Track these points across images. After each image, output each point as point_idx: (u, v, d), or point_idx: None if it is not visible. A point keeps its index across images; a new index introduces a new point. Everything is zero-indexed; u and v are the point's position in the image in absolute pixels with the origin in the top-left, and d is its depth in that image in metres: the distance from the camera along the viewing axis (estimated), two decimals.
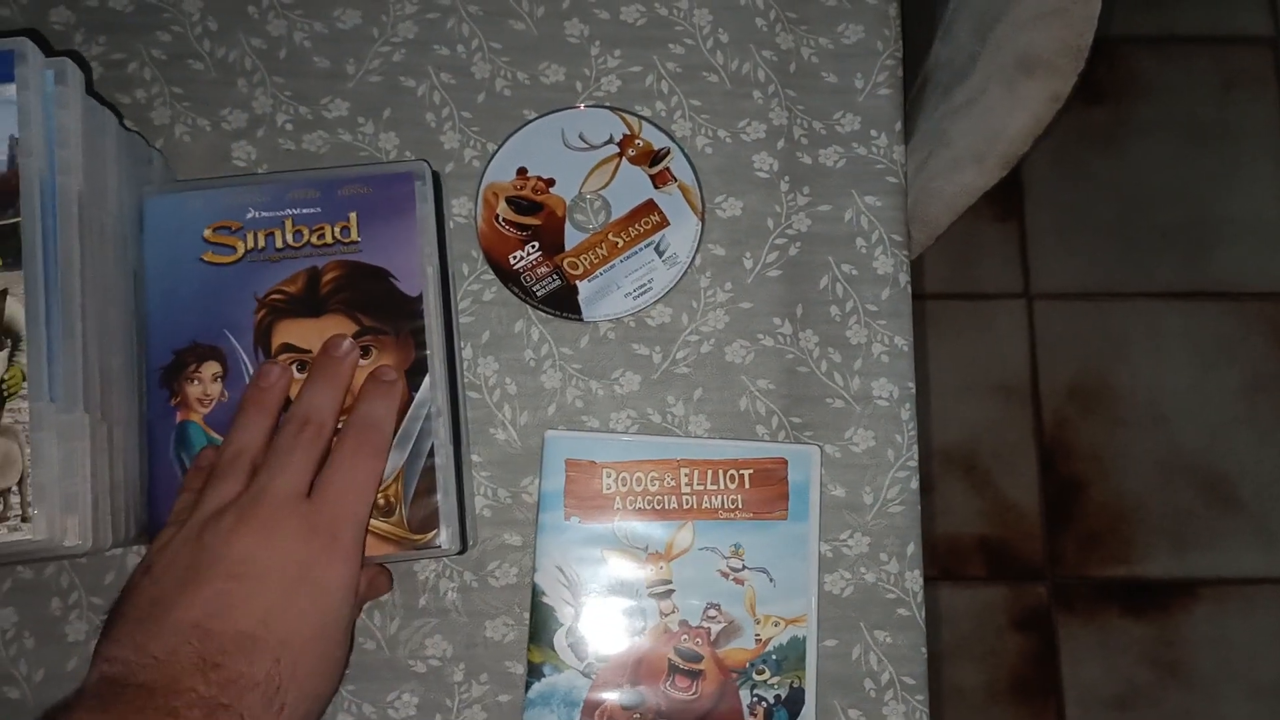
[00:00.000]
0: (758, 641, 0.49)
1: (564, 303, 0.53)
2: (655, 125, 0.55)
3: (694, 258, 0.54)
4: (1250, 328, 1.37)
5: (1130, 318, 1.37)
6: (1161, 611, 1.30)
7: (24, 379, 0.39)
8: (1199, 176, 1.41)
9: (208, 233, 0.49)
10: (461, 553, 0.49)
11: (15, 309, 0.39)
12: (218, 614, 0.39)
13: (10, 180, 0.40)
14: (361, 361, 0.48)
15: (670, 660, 0.49)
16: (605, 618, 0.49)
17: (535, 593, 0.50)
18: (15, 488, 0.39)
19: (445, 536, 0.47)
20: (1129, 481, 1.33)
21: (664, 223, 0.54)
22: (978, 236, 1.40)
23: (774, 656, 0.49)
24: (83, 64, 0.54)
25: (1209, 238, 1.40)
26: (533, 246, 0.53)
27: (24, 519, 0.39)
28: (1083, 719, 1.27)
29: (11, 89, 0.41)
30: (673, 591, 0.50)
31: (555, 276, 0.53)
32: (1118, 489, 1.33)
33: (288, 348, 0.48)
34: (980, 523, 1.32)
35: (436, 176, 0.53)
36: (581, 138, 0.55)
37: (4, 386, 0.39)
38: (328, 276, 0.49)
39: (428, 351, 0.48)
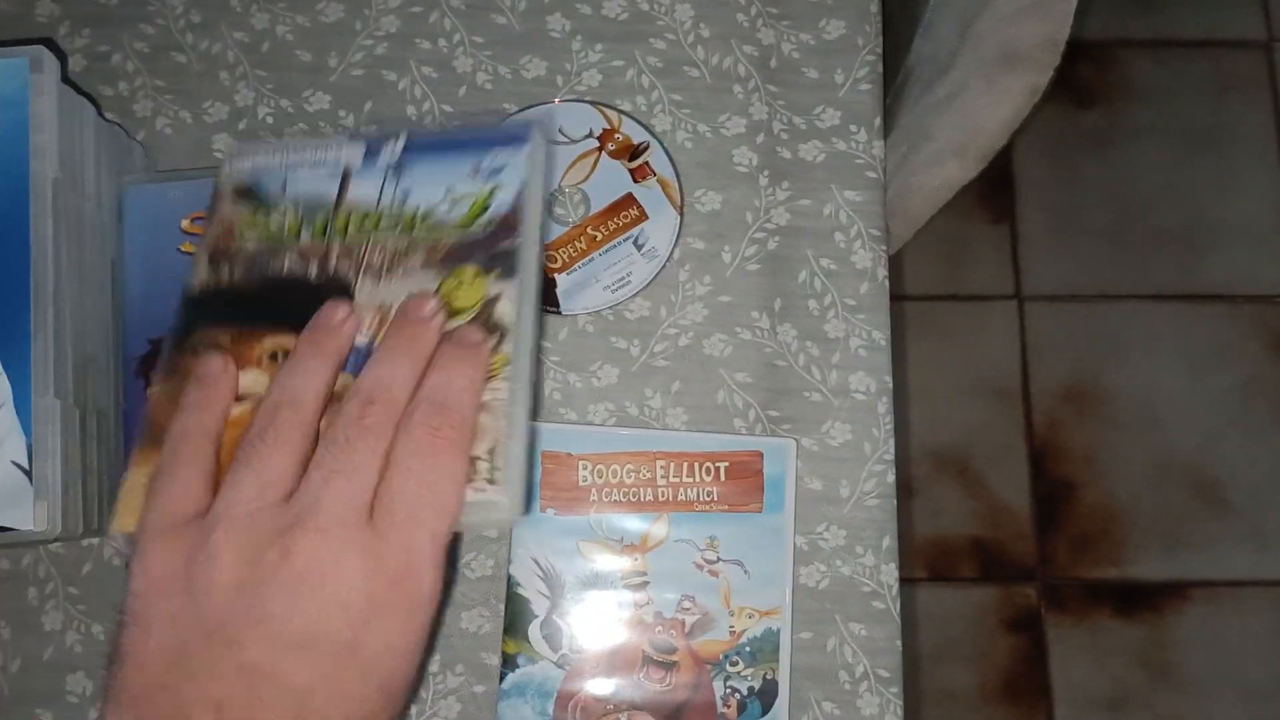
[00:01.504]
0: (732, 633, 0.49)
1: (543, 296, 0.53)
2: (635, 120, 0.55)
3: (673, 251, 0.54)
4: (1243, 331, 1.37)
5: (1122, 320, 1.37)
6: (1152, 613, 1.30)
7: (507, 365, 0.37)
8: (1192, 180, 1.41)
9: (185, 223, 0.50)
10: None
11: (506, 310, 0.38)
12: (246, 703, 0.31)
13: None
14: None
15: (644, 652, 0.49)
16: (580, 609, 0.49)
17: (510, 584, 0.50)
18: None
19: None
20: (1120, 483, 1.33)
21: (643, 217, 0.54)
22: (970, 238, 1.40)
23: (748, 648, 0.49)
24: (58, 53, 0.54)
25: (1202, 241, 1.40)
26: None
27: None
28: None
29: None
30: (648, 583, 0.50)
31: None
32: (1109, 491, 1.33)
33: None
34: (971, 524, 1.32)
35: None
36: (561, 131, 0.55)
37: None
38: None
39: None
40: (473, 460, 0.35)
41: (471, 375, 0.36)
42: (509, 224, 0.40)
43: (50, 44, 0.51)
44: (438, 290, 0.39)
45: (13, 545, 0.48)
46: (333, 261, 0.40)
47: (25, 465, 0.40)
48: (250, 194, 0.42)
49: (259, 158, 0.42)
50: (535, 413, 0.53)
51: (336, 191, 0.41)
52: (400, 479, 0.33)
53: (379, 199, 0.41)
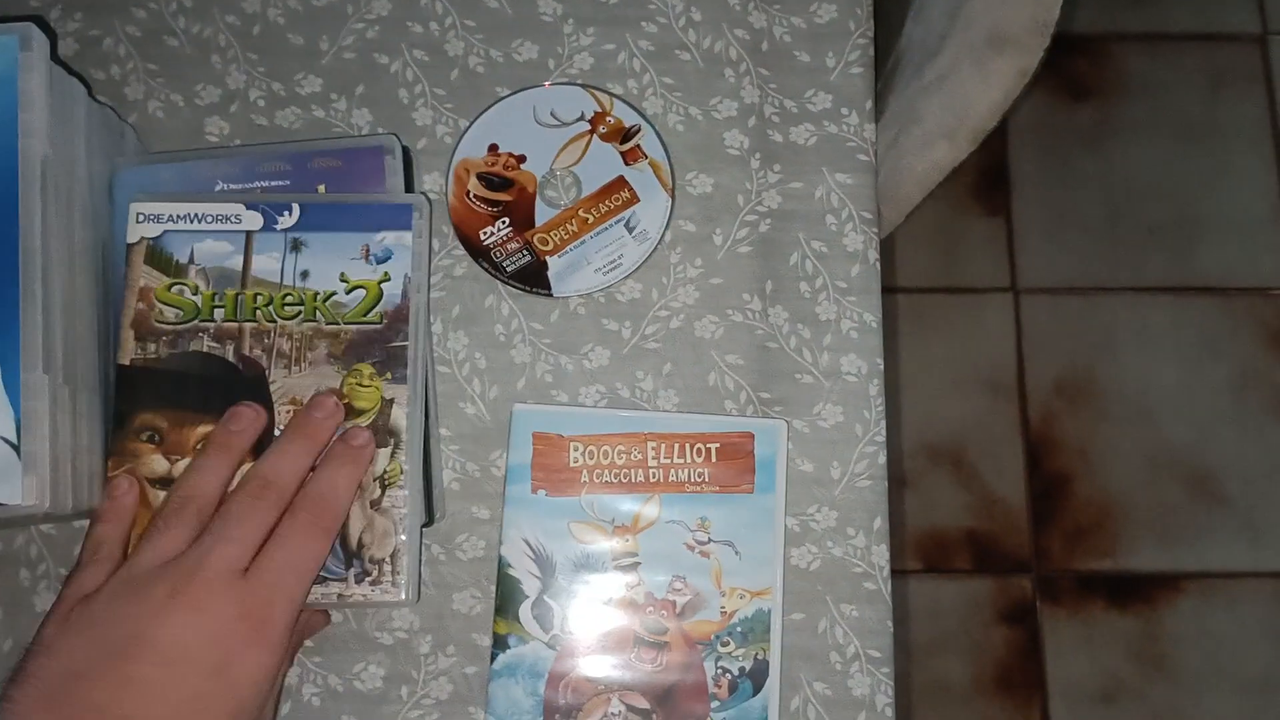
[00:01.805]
0: (723, 614, 0.49)
1: (534, 278, 0.53)
2: (626, 103, 0.55)
3: (664, 234, 0.54)
4: (1237, 323, 1.37)
5: (1117, 313, 1.37)
6: (1146, 605, 1.30)
7: (401, 473, 0.47)
8: (1186, 173, 1.42)
9: None
10: (428, 525, 0.50)
11: (400, 416, 0.47)
12: (132, 709, 0.38)
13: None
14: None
15: (635, 632, 0.49)
16: (571, 590, 0.50)
17: (501, 565, 0.50)
18: None
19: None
20: (1115, 476, 1.33)
21: (634, 199, 0.54)
22: (965, 231, 1.40)
23: (739, 629, 0.49)
24: (48, 31, 0.54)
25: (1196, 234, 1.40)
26: (503, 222, 0.54)
27: None
28: (1067, 712, 1.27)
29: None
30: (639, 564, 0.50)
31: (526, 252, 0.53)
32: (1104, 483, 1.33)
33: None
34: (966, 516, 1.32)
35: (406, 151, 0.53)
36: (553, 115, 0.55)
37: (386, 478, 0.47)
38: None
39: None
40: (377, 563, 0.46)
41: (353, 476, 0.45)
42: (399, 318, 0.48)
43: (40, 23, 0.51)
44: (341, 386, 0.47)
45: (3, 523, 0.48)
46: (246, 345, 0.48)
47: (14, 440, 0.40)
48: (160, 256, 0.48)
49: (165, 217, 0.49)
50: (523, 395, 0.53)
51: (242, 263, 0.48)
52: (278, 550, 0.42)
53: (281, 274, 0.48)
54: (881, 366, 0.53)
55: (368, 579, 0.46)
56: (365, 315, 0.48)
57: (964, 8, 0.53)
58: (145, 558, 0.41)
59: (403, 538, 0.46)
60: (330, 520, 0.44)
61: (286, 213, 0.49)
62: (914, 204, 0.56)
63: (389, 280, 0.48)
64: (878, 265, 0.54)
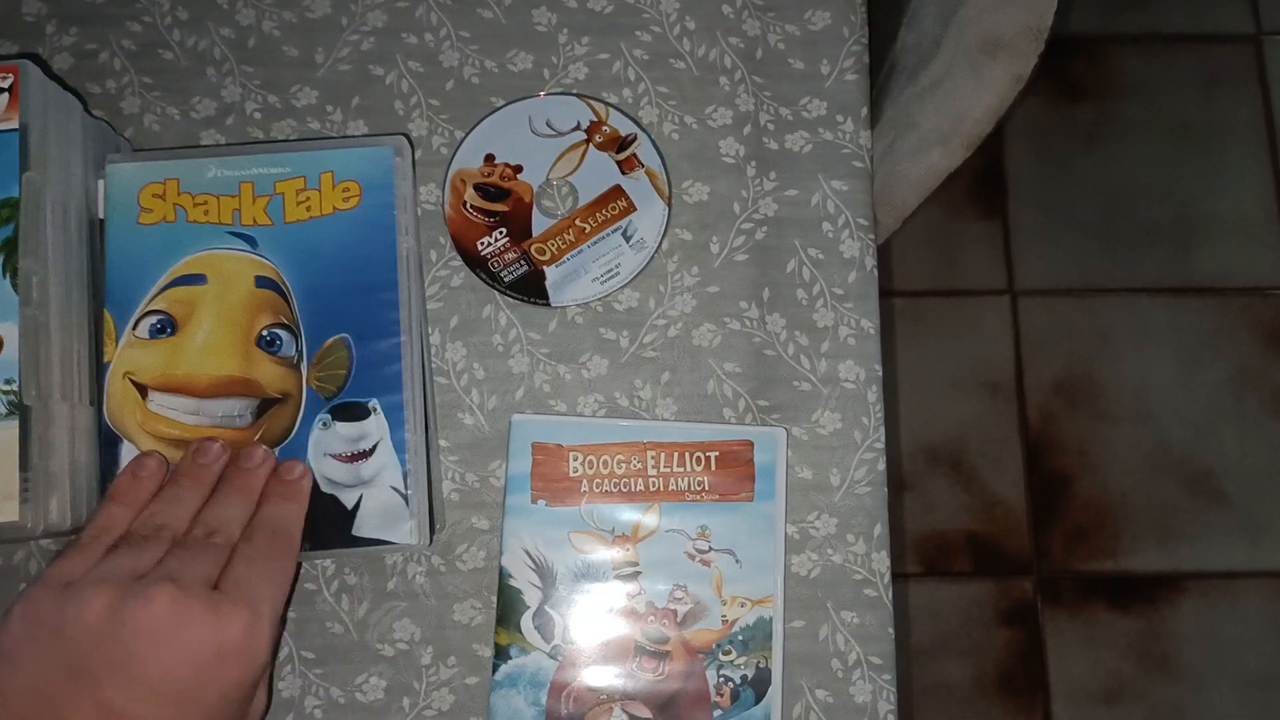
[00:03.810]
0: (724, 622, 0.49)
1: (532, 288, 0.53)
2: (622, 112, 0.55)
3: (661, 242, 0.54)
4: (1235, 322, 1.37)
5: (1115, 313, 1.38)
6: (1148, 605, 1.30)
7: None
8: (1182, 173, 1.42)
9: None
10: (431, 535, 0.50)
11: None
12: None
13: None
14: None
15: (637, 642, 0.49)
16: (572, 600, 0.50)
17: (502, 575, 0.50)
18: None
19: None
20: (1115, 476, 1.33)
21: (631, 208, 0.54)
22: (962, 234, 1.40)
23: (740, 637, 0.49)
24: (43, 64, 0.54)
25: (1193, 234, 1.40)
26: (500, 232, 0.54)
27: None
28: (1070, 713, 1.27)
29: None
30: (639, 573, 0.50)
31: (523, 262, 0.53)
32: (1103, 484, 1.33)
33: None
34: (966, 518, 1.32)
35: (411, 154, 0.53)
36: (549, 124, 0.55)
37: None
38: None
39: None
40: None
41: (297, 506, 0.45)
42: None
43: (36, 58, 0.51)
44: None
45: (3, 541, 0.48)
46: None
47: None
48: None
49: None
50: (522, 405, 0.53)
51: None
52: (244, 566, 0.41)
53: None
54: (880, 373, 0.53)
55: None
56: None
57: (957, 13, 0.53)
58: (121, 565, 0.39)
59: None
60: (287, 543, 0.44)
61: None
62: (910, 210, 0.56)
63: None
64: (875, 272, 0.54)
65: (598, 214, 0.54)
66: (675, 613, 0.50)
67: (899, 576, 1.24)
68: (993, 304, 1.38)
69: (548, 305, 0.53)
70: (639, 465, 0.51)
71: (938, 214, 1.40)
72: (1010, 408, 1.35)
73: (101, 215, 0.48)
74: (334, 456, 0.47)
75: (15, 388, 0.41)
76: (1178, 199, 1.41)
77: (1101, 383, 1.36)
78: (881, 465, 0.52)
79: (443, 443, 0.52)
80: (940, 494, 1.32)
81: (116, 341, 0.47)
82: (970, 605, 1.29)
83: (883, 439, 0.53)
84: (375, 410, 0.47)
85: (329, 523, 0.47)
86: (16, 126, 0.42)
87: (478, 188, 0.54)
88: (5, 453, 0.40)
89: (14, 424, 0.40)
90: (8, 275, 0.41)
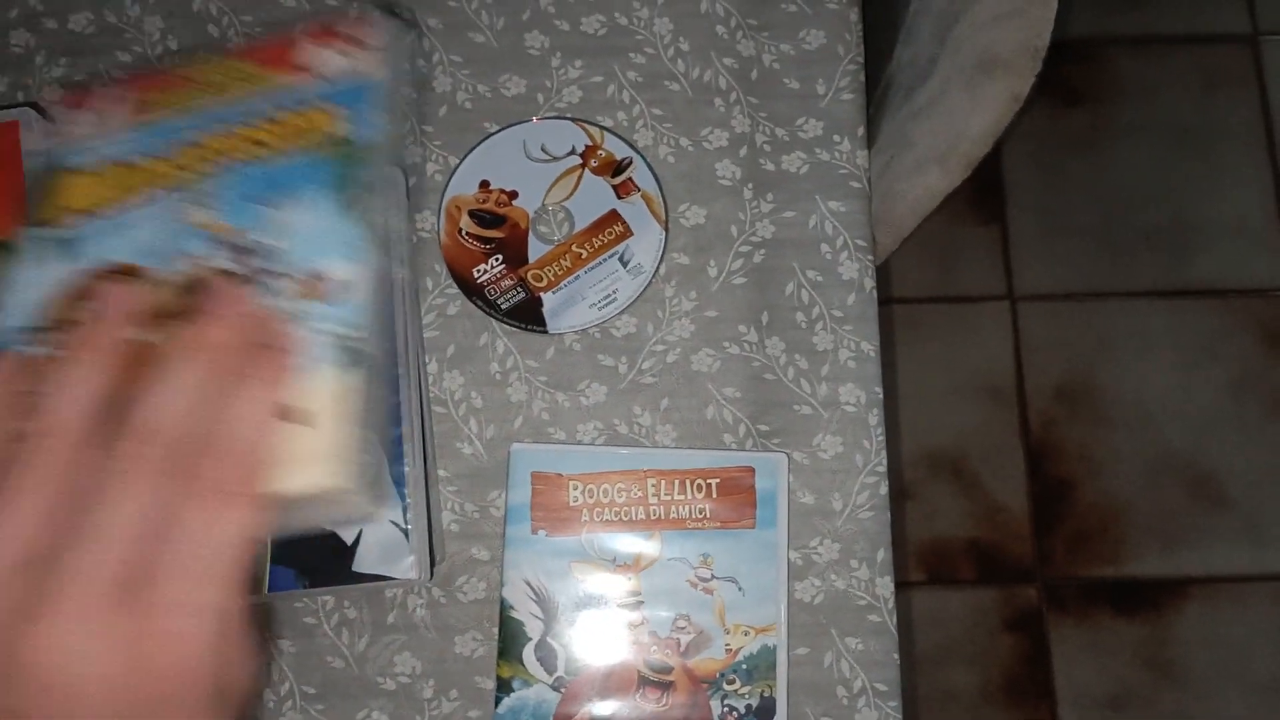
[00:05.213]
0: (728, 651, 0.49)
1: (529, 315, 0.53)
2: (617, 135, 0.55)
3: (658, 267, 0.54)
4: (1235, 325, 1.37)
5: (1114, 318, 1.37)
6: (1153, 611, 1.30)
7: None
8: (1180, 176, 1.41)
9: None
10: (431, 568, 0.49)
11: None
12: None
13: None
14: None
15: (640, 672, 0.49)
16: (574, 631, 0.49)
17: (504, 607, 0.49)
18: None
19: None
20: (1117, 481, 1.33)
21: (627, 233, 0.54)
22: (961, 240, 1.40)
23: (744, 666, 0.49)
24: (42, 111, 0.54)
25: (1191, 237, 1.40)
26: (496, 259, 0.53)
27: None
28: None
29: None
30: (642, 603, 0.49)
31: (520, 289, 0.53)
32: (1106, 489, 1.33)
33: None
34: (969, 525, 1.31)
35: (406, 181, 0.53)
36: (543, 149, 0.55)
37: None
38: None
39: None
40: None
41: (268, 406, 0.28)
42: None
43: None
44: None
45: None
46: None
47: None
48: None
49: None
50: (521, 434, 0.52)
51: None
52: (171, 542, 0.26)
53: None
54: (880, 395, 0.53)
55: None
56: None
57: (953, 30, 0.53)
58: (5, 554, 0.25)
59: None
60: (246, 484, 0.27)
61: None
62: (909, 230, 0.56)
63: None
64: (874, 293, 0.54)
65: (594, 239, 0.53)
66: (678, 642, 0.49)
67: (902, 585, 1.23)
68: (992, 310, 1.38)
69: (545, 332, 0.53)
70: (639, 493, 0.50)
71: (936, 220, 1.39)
72: (1011, 414, 1.35)
73: None
74: None
75: (364, 334, 0.31)
76: (1176, 201, 1.40)
77: (1102, 387, 1.35)
78: (884, 489, 0.52)
79: (441, 473, 0.52)
80: (942, 501, 1.32)
81: None
82: (974, 612, 1.29)
83: (884, 463, 0.52)
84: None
85: (328, 559, 0.46)
86: (382, 79, 0.39)
87: (473, 214, 0.54)
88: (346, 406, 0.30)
89: (360, 373, 0.30)
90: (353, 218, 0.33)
